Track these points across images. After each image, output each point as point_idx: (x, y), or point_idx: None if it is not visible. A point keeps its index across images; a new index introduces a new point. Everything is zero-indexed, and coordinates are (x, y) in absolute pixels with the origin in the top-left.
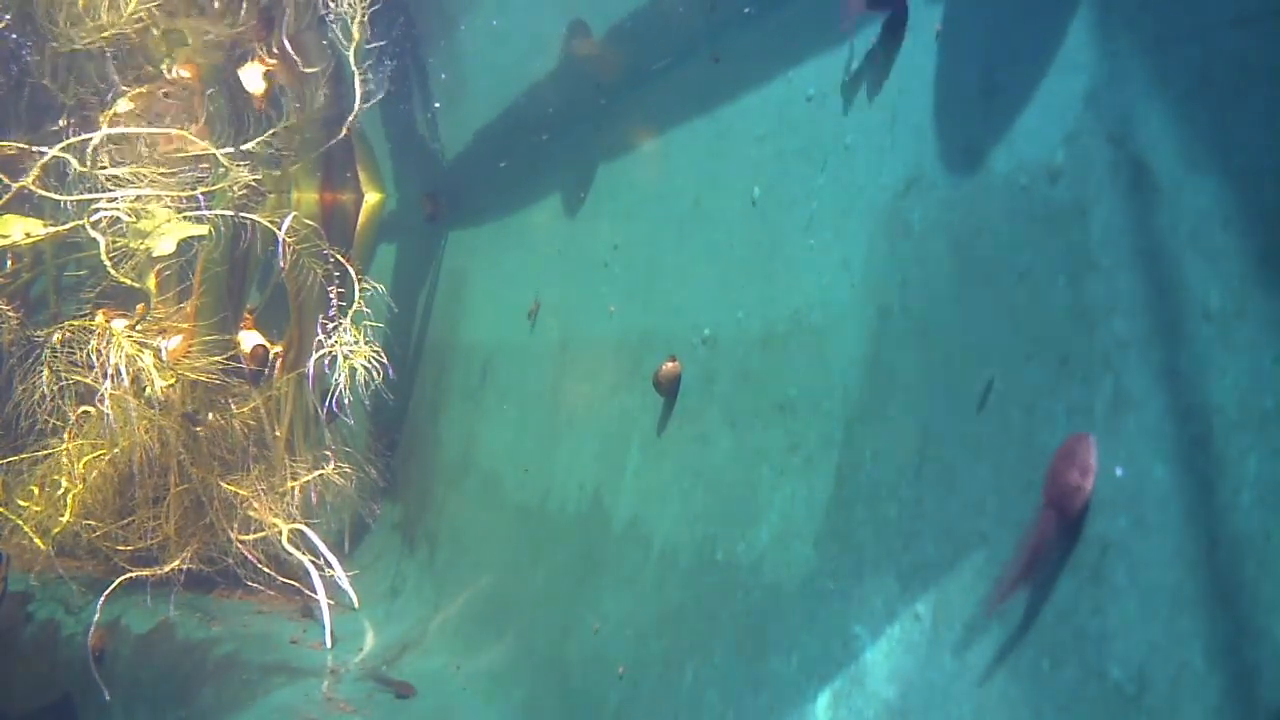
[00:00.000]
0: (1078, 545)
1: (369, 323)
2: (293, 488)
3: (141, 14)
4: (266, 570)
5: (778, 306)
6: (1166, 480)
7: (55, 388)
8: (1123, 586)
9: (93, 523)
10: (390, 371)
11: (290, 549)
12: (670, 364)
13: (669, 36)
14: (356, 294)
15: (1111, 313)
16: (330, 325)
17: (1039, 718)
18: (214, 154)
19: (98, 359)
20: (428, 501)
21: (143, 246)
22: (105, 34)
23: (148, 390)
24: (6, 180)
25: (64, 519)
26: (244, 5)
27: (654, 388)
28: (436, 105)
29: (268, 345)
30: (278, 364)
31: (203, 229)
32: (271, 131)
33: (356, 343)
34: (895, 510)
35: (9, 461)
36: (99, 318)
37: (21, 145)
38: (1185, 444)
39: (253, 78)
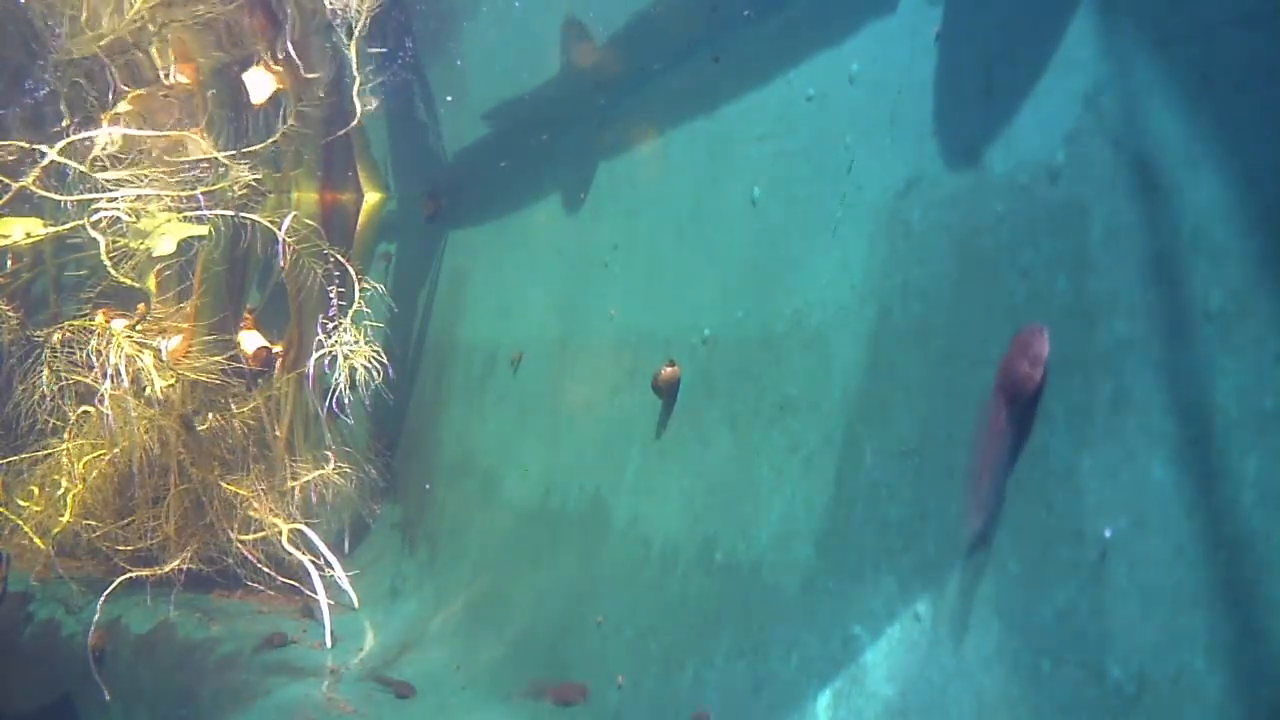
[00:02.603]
0: (1079, 544)
1: (369, 323)
2: (293, 488)
3: (143, 12)
4: (266, 570)
5: (778, 306)
6: (1166, 480)
7: (55, 388)
8: (1123, 587)
9: (93, 523)
10: (390, 371)
11: (290, 549)
12: (670, 368)
13: (669, 37)
14: (356, 294)
15: (1111, 313)
16: (330, 325)
17: (1039, 718)
18: (214, 155)
19: (98, 359)
20: (428, 501)
21: (143, 246)
22: (103, 42)
23: (148, 390)
24: (7, 180)
25: (64, 519)
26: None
27: (653, 391)
28: (449, 99)
29: (269, 346)
30: (278, 364)
31: (203, 229)
32: (272, 140)
33: (356, 343)
34: (895, 510)
35: (9, 461)
36: (99, 318)
37: (22, 145)
38: (1185, 444)
39: (257, 85)
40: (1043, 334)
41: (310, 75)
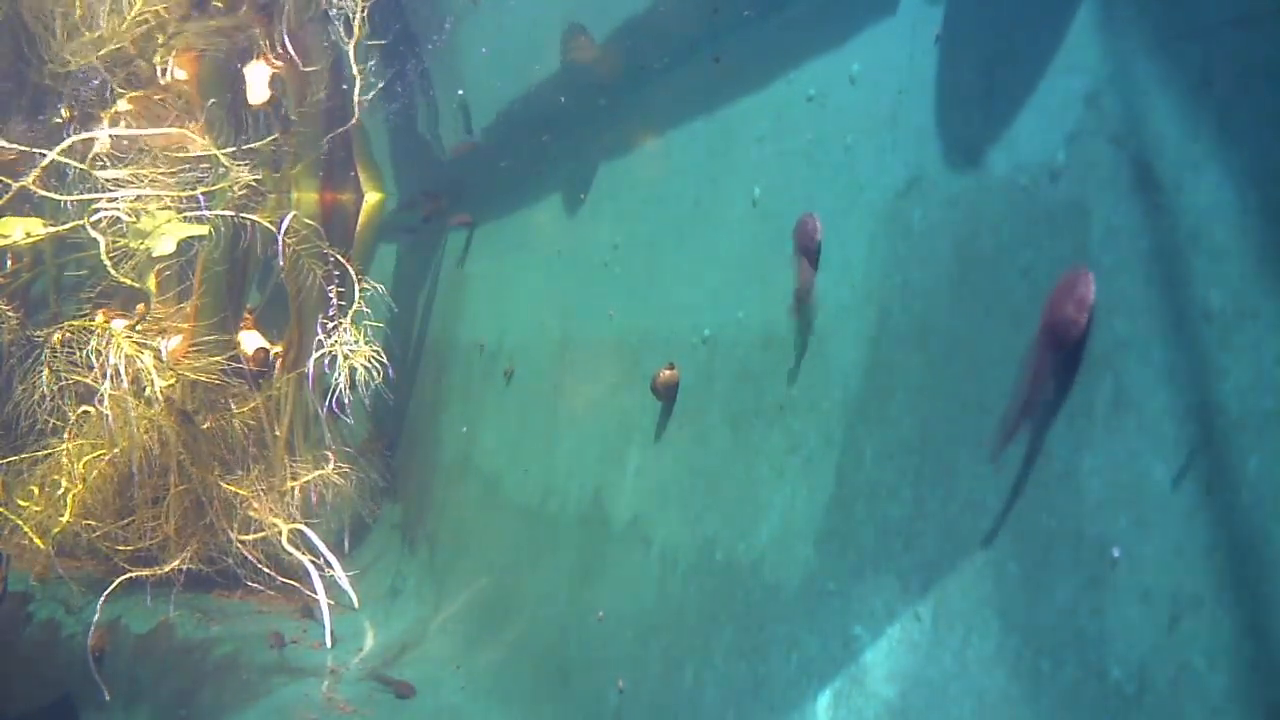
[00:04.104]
0: (1079, 545)
1: (369, 323)
2: (293, 488)
3: (146, 17)
4: (266, 570)
5: (778, 306)
6: (1166, 480)
7: (55, 388)
8: (1123, 587)
9: (93, 523)
10: (390, 371)
11: (290, 549)
12: (668, 371)
13: (670, 37)
14: (356, 294)
15: (1111, 312)
16: (330, 325)
17: (1039, 718)
18: (214, 154)
19: (98, 359)
20: (428, 501)
21: (143, 246)
22: (103, 51)
23: (147, 390)
24: (7, 180)
25: (64, 519)
26: (244, 3)
27: (652, 394)
28: (460, 92)
29: (269, 347)
30: (278, 364)
31: (203, 229)
32: (272, 139)
33: (356, 343)
34: (895, 510)
35: (9, 461)
36: (99, 318)
37: (23, 148)
38: (1185, 444)
39: (257, 80)
40: (1088, 277)
41: (309, 69)
